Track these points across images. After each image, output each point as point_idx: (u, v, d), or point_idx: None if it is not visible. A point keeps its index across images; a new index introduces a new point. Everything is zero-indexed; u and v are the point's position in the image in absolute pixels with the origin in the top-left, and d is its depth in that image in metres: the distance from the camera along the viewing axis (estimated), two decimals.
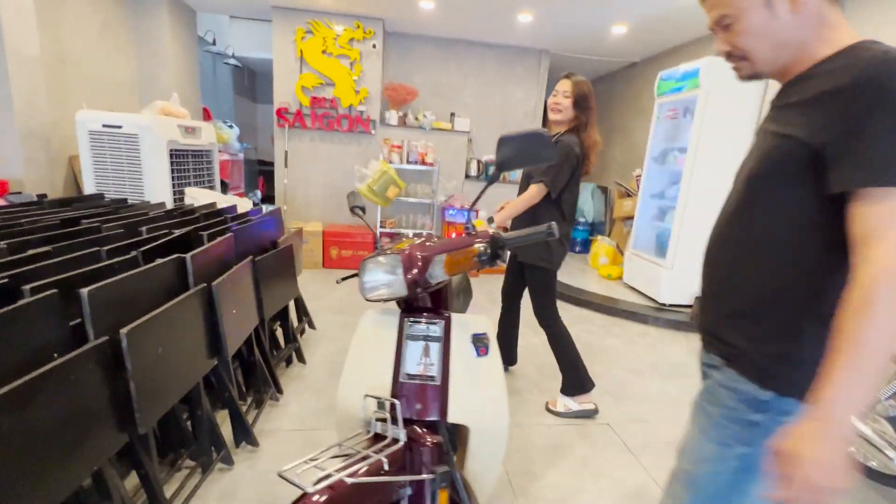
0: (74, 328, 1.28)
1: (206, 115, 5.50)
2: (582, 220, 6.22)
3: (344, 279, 1.39)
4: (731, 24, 0.78)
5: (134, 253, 1.71)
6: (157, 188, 3.16)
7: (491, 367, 1.06)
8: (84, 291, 1.23)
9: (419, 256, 0.98)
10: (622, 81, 6.34)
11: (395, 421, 0.92)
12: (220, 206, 3.09)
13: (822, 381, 0.66)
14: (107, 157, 3.09)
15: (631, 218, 4.86)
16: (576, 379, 2.27)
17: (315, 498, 0.78)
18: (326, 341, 2.99)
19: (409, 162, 4.94)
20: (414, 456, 0.94)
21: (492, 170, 5.77)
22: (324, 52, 4.91)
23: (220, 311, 1.73)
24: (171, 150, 3.21)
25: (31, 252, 1.58)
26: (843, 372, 0.64)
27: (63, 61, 3.59)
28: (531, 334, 2.52)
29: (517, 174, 4.63)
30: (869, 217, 0.66)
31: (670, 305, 3.96)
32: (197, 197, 3.26)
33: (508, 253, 1.00)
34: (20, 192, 3.02)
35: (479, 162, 5.53)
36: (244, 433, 1.89)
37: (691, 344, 3.45)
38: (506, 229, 1.95)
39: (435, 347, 1.03)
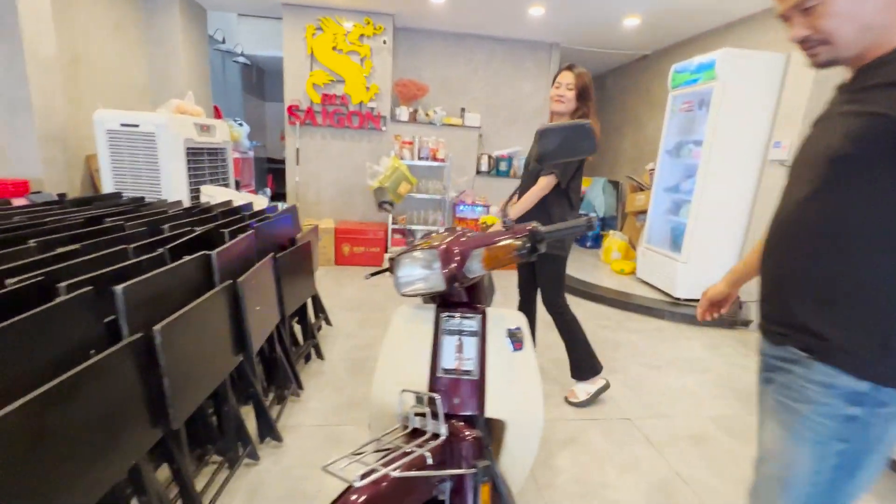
0: (108, 325, 1.29)
1: (217, 114, 5.51)
2: (593, 214, 6.18)
3: (373, 274, 1.39)
4: (814, 7, 0.77)
5: (161, 250, 1.72)
6: (173, 186, 3.18)
7: (527, 362, 1.07)
8: (119, 288, 1.24)
9: (457, 251, 0.98)
10: (633, 75, 6.28)
11: (435, 416, 0.92)
12: (235, 203, 3.10)
13: None
14: (124, 155, 3.11)
15: (643, 212, 4.82)
16: (588, 361, 2.35)
17: (360, 492, 0.78)
18: (343, 338, 3.00)
19: (420, 158, 4.94)
20: (454, 450, 0.94)
21: (502, 165, 5.69)
22: (334, 48, 4.91)
23: (244, 307, 1.74)
24: (187, 149, 3.23)
25: (60, 250, 1.60)
26: None
27: (77, 62, 3.61)
28: (546, 329, 2.53)
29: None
30: None
31: (686, 300, 3.93)
32: (213, 195, 3.27)
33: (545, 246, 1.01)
34: (40, 192, 3.05)
35: (489, 157, 5.51)
36: (268, 429, 1.90)
37: (708, 339, 3.43)
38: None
39: (471, 342, 1.03)
